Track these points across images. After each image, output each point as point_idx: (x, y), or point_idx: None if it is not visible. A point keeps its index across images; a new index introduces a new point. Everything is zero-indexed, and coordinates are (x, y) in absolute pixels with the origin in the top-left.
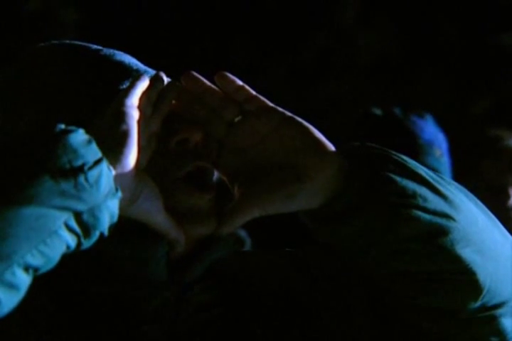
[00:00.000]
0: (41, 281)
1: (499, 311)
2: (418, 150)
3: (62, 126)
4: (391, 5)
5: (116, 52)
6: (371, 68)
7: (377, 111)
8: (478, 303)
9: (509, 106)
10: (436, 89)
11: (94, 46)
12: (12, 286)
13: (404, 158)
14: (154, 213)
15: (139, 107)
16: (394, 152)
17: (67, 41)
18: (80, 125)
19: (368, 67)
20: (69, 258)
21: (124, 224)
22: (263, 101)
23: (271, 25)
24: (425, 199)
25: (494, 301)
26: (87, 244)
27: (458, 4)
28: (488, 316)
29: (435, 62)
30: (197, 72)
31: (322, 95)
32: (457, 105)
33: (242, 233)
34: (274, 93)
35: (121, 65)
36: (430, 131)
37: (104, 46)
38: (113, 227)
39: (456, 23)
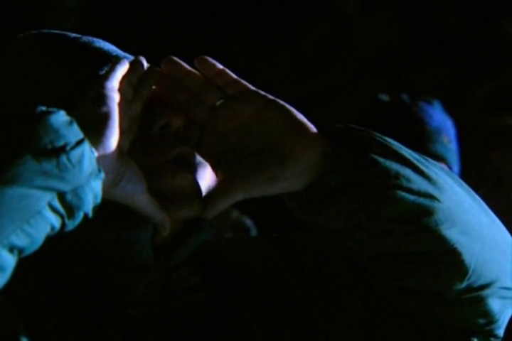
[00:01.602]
0: (27, 265)
1: (486, 292)
2: (426, 137)
3: (43, 108)
4: None
5: (94, 39)
6: (372, 57)
7: (385, 98)
8: (464, 284)
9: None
10: (437, 76)
11: (73, 34)
12: None
13: (388, 139)
14: (138, 196)
15: (120, 91)
16: (377, 133)
17: (46, 30)
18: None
19: (369, 55)
20: (54, 242)
21: (108, 207)
22: (244, 85)
23: (272, 14)
24: (409, 180)
25: (480, 282)
26: (71, 225)
27: None
28: (475, 297)
29: (436, 49)
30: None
31: (325, 83)
32: (458, 92)
33: (248, 221)
34: (277, 82)
35: (100, 51)
36: (438, 117)
37: (104, 34)
38: (97, 210)
39: (456, 10)
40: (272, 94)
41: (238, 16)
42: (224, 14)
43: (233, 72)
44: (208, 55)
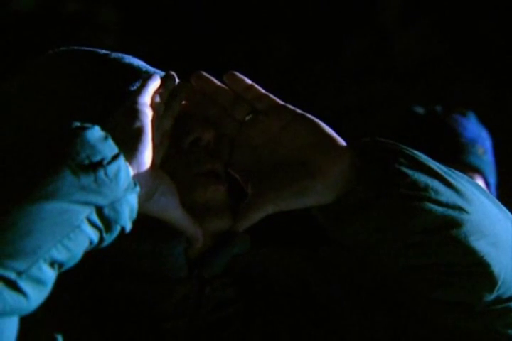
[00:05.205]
0: (63, 278)
1: None
2: (459, 148)
3: (78, 124)
4: (430, 7)
5: (124, 55)
6: (411, 70)
7: (420, 110)
8: (493, 295)
9: None
10: (476, 90)
11: (103, 51)
12: (39, 282)
13: (415, 151)
14: (171, 209)
15: (152, 106)
16: (405, 146)
17: (75, 47)
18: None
19: (407, 68)
20: (89, 256)
21: (142, 221)
22: (273, 100)
23: (311, 27)
24: (437, 192)
25: (509, 293)
26: (108, 238)
27: (497, 5)
28: (504, 308)
29: (475, 62)
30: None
31: (363, 96)
32: (497, 104)
33: None
34: (315, 94)
35: (130, 67)
36: (473, 129)
37: (141, 48)
38: (133, 223)
39: (496, 22)
40: (308, 106)
41: (276, 29)
42: (261, 26)
43: (269, 84)
44: (244, 68)
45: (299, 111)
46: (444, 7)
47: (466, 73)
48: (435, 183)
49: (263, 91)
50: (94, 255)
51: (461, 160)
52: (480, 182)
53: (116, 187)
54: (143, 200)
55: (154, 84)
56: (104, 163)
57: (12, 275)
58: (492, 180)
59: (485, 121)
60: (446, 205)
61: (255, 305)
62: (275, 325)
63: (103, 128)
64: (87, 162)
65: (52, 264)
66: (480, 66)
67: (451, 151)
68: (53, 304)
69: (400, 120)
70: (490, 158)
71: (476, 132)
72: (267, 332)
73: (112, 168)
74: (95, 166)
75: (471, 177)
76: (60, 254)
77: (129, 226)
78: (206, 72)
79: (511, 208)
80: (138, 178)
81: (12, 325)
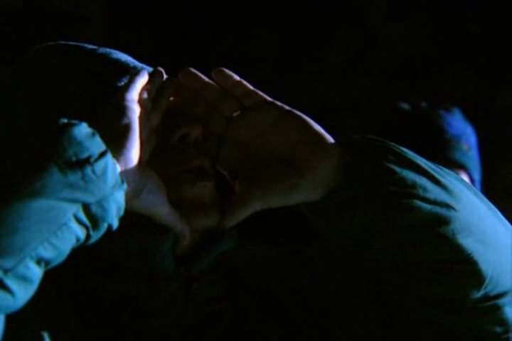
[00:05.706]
0: (50, 276)
1: (502, 301)
2: (445, 145)
3: (65, 120)
4: (416, 2)
5: (112, 51)
6: (396, 66)
7: (405, 106)
8: (480, 293)
9: None
10: (462, 85)
11: (90, 46)
12: (26, 279)
13: (404, 149)
14: (158, 206)
15: (139, 102)
16: (393, 143)
17: (62, 42)
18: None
19: (393, 65)
20: (77, 253)
21: (130, 218)
22: (261, 96)
23: (299, 22)
24: (425, 189)
25: (497, 291)
26: (95, 236)
27: (483, 0)
28: (492, 306)
29: (460, 59)
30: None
31: (350, 92)
32: (483, 100)
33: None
34: (302, 91)
35: (118, 62)
36: (458, 125)
37: (129, 43)
38: (120, 221)
39: (481, 19)
40: (296, 103)
41: (263, 26)
42: (249, 23)
43: (257, 80)
44: (233, 64)
45: (286, 107)
46: (430, 3)
47: (452, 69)
48: (423, 180)
49: (251, 87)
50: (81, 253)
51: (446, 156)
52: (465, 178)
53: (103, 185)
54: (130, 197)
55: (142, 80)
56: (92, 160)
57: None
58: (477, 176)
59: (470, 117)
60: (434, 202)
61: (244, 302)
62: (264, 322)
63: (90, 125)
64: (74, 159)
65: (38, 262)
66: (466, 62)
67: (436, 147)
68: (40, 302)
69: (386, 116)
70: (475, 154)
71: (461, 128)
72: (257, 329)
73: (99, 165)
74: (82, 163)
75: (456, 173)
76: (46, 252)
77: (116, 224)
78: (194, 68)
79: (496, 204)
80: (125, 175)
81: None
